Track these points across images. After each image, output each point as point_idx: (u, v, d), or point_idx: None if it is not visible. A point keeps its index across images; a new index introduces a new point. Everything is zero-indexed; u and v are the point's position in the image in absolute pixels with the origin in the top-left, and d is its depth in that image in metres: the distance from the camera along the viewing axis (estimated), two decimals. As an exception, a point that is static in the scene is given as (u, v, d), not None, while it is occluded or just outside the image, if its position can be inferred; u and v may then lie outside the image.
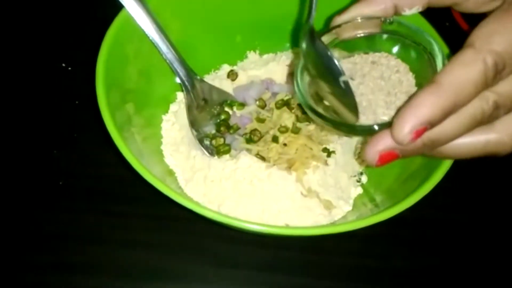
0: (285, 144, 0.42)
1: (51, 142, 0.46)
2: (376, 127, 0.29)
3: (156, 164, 0.41)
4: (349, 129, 0.30)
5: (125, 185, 0.43)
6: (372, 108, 0.30)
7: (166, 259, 0.40)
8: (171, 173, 0.42)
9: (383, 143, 0.28)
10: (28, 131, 0.46)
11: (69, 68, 0.52)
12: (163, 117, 0.45)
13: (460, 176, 0.40)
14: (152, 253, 0.41)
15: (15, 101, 0.48)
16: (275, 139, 0.41)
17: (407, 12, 0.33)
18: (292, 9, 0.47)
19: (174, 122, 0.45)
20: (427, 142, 0.27)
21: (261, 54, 0.50)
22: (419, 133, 0.26)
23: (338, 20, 0.34)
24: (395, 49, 0.34)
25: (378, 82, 0.31)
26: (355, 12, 0.33)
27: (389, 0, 0.33)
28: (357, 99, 0.31)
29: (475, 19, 0.29)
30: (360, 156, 0.44)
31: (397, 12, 0.33)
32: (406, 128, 0.26)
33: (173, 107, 0.46)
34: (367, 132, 0.30)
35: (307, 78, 0.33)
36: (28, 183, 0.43)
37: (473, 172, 0.46)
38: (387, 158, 0.28)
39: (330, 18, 0.35)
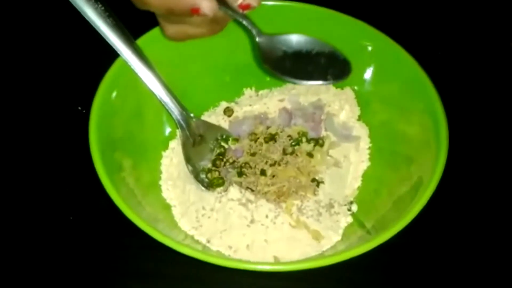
0: (274, 176, 0.41)
1: (65, 179, 0.47)
2: None
3: (152, 200, 0.40)
4: None
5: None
6: None
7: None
8: (167, 207, 0.41)
9: None
10: (43, 170, 0.47)
11: (84, 111, 0.53)
12: (163, 153, 0.45)
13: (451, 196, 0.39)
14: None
15: (31, 141, 0.49)
16: (262, 172, 0.40)
17: None
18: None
19: (173, 158, 0.45)
20: None
21: (257, 90, 0.50)
22: None
23: None
24: None
25: None
26: None
27: None
28: None
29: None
30: None
31: None
32: None
33: (172, 144, 0.46)
34: None
35: None
36: (39, 219, 0.44)
37: (459, 193, 0.44)
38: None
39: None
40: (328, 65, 0.38)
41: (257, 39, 0.38)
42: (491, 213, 0.44)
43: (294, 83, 0.39)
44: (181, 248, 0.31)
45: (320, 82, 0.37)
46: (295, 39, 0.38)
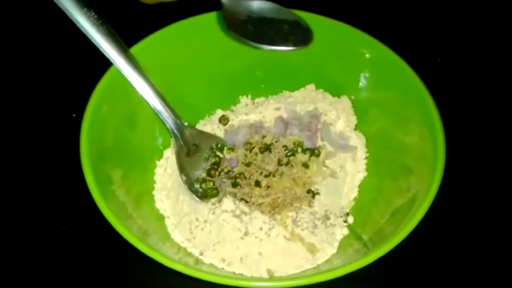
0: (268, 187, 0.40)
1: (58, 188, 0.46)
2: None
3: (145, 211, 0.39)
4: None
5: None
6: None
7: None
8: (160, 218, 0.40)
9: None
10: (37, 178, 0.46)
11: (79, 118, 0.52)
12: (157, 163, 0.44)
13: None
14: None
15: (25, 147, 0.48)
16: (257, 184, 0.39)
17: None
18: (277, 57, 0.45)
19: (167, 168, 0.44)
20: None
21: (253, 98, 0.49)
22: None
23: None
24: None
25: None
26: None
27: None
28: None
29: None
30: None
31: None
32: None
33: (166, 153, 0.45)
34: None
35: None
36: (32, 228, 0.43)
37: (457, 202, 0.43)
38: None
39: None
40: (290, 32, 0.38)
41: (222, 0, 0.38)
42: (490, 222, 0.43)
43: (256, 48, 0.38)
44: (172, 264, 0.31)
45: (280, 48, 0.38)
46: (259, 5, 0.39)
